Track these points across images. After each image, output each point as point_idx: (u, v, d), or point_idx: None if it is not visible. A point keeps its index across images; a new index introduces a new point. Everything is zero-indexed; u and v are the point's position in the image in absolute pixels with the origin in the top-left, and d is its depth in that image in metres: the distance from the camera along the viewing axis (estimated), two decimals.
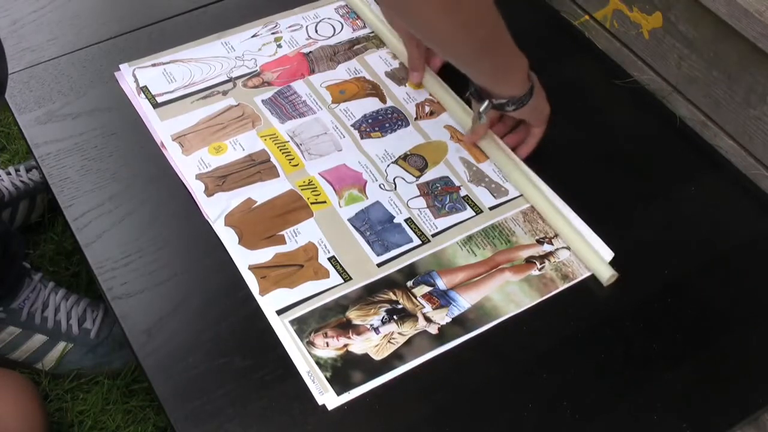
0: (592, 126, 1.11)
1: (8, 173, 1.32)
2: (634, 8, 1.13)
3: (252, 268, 0.92)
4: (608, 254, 0.94)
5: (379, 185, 1.00)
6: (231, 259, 0.93)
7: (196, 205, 0.97)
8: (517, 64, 0.93)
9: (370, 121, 1.07)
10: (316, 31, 1.18)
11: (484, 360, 0.87)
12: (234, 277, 0.91)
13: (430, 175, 1.02)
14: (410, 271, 0.93)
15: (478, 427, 0.83)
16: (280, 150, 1.03)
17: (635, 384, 0.86)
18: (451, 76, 1.07)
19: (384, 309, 0.89)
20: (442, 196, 1.00)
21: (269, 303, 0.89)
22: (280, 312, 0.88)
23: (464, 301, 0.90)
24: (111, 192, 0.98)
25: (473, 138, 1.03)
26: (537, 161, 1.04)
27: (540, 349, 0.88)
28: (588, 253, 0.94)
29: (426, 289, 0.91)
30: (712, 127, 1.09)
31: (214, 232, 0.95)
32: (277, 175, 1.00)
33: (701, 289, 0.94)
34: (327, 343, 0.86)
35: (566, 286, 0.93)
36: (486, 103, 0.97)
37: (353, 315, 0.89)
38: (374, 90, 1.11)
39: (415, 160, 1.03)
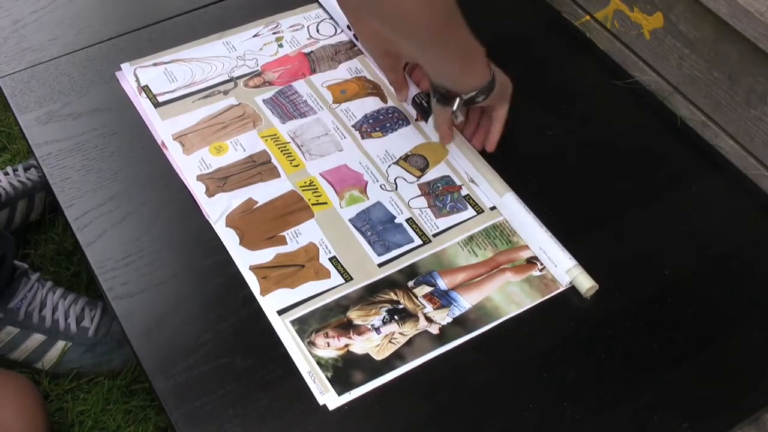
0: (593, 127, 1.11)
1: (6, 173, 1.32)
2: (635, 8, 1.13)
3: (253, 268, 0.92)
4: (567, 267, 0.93)
5: (380, 186, 1.00)
6: (231, 259, 0.93)
7: (197, 205, 0.97)
8: (476, 51, 0.92)
9: (370, 121, 1.07)
10: (318, 31, 1.18)
11: (485, 360, 0.87)
12: (234, 277, 0.91)
13: (431, 175, 1.02)
14: (411, 272, 0.93)
15: (479, 428, 0.83)
16: (281, 151, 1.03)
17: (636, 384, 0.86)
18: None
19: (385, 309, 0.89)
20: (443, 195, 1.00)
21: (270, 303, 0.89)
22: (281, 312, 0.88)
23: (465, 302, 0.90)
24: (112, 192, 0.98)
25: (448, 135, 1.03)
26: (538, 162, 1.05)
27: (541, 350, 0.88)
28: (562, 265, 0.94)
29: (427, 289, 0.91)
30: (712, 128, 1.09)
31: (215, 232, 0.95)
32: (278, 176, 1.00)
33: (701, 290, 0.94)
34: (328, 343, 0.86)
35: (567, 287, 0.93)
36: (457, 101, 0.97)
37: (354, 315, 0.89)
38: (375, 89, 1.11)
39: (416, 160, 1.03)
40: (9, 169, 1.33)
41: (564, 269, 0.92)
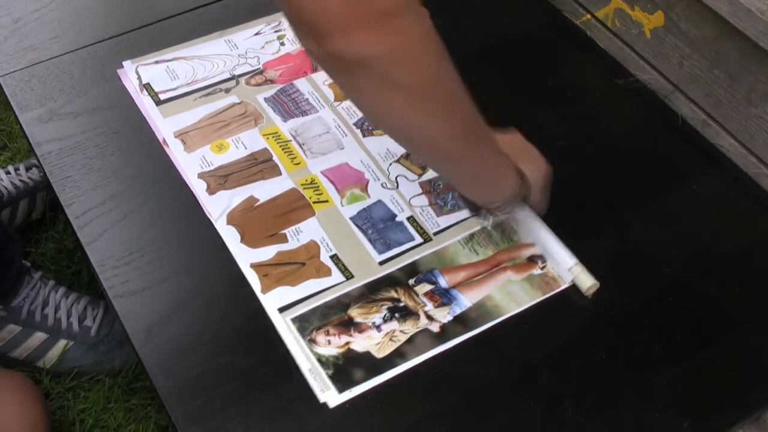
0: (594, 125, 1.11)
1: (7, 172, 1.32)
2: (636, 7, 1.13)
3: (254, 266, 0.92)
4: (569, 265, 0.92)
5: (381, 184, 1.00)
6: (232, 257, 0.93)
7: (198, 203, 0.97)
8: (502, 164, 0.84)
9: None
10: None
11: (485, 358, 0.87)
12: (236, 275, 0.91)
13: (432, 173, 1.02)
14: (412, 270, 0.93)
15: (479, 426, 0.83)
16: (282, 149, 1.03)
17: (636, 383, 0.86)
18: None
19: (386, 307, 0.89)
20: (444, 193, 1.00)
21: (271, 301, 0.89)
22: (282, 310, 0.88)
23: (466, 300, 0.90)
24: (112, 190, 0.98)
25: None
26: None
27: (541, 348, 0.88)
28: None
29: (428, 287, 0.91)
30: (713, 126, 1.09)
31: (216, 231, 0.95)
32: (279, 174, 1.00)
33: (702, 288, 0.94)
34: (329, 341, 0.86)
35: (568, 285, 0.93)
36: (490, 219, 0.93)
37: (355, 313, 0.89)
38: None
39: (416, 158, 1.03)
40: (10, 168, 1.33)
41: (566, 267, 0.92)
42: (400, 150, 1.04)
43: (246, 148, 1.02)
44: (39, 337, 1.17)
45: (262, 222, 0.95)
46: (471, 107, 0.74)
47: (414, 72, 0.67)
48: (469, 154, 0.79)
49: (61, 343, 1.17)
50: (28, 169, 1.33)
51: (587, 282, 0.91)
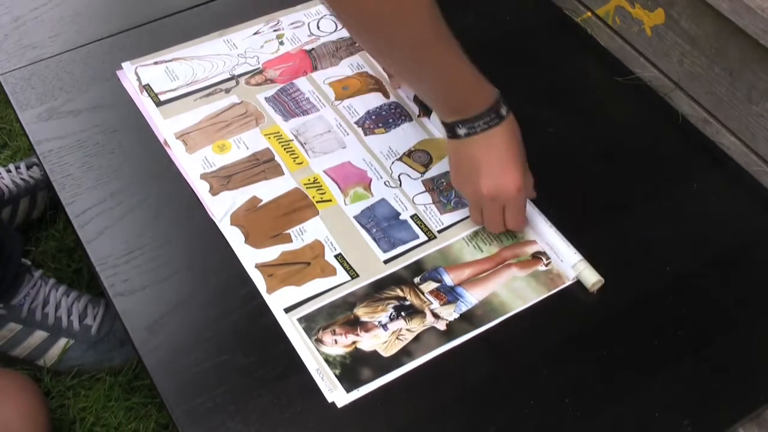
0: (594, 123, 1.11)
1: (8, 170, 1.32)
2: (636, 5, 1.13)
3: (259, 266, 0.91)
4: (573, 262, 0.93)
5: (384, 182, 1.00)
6: (234, 255, 0.92)
7: (199, 201, 0.97)
8: (467, 81, 0.84)
9: (373, 117, 1.07)
10: (318, 28, 1.18)
11: (491, 356, 0.87)
12: (236, 274, 0.91)
13: (434, 171, 1.02)
14: (417, 268, 0.93)
15: (485, 423, 0.83)
16: (284, 148, 1.03)
17: (637, 381, 0.86)
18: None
19: (391, 306, 0.89)
20: (447, 191, 1.00)
21: (277, 301, 0.89)
22: (287, 310, 0.88)
23: (471, 297, 0.91)
24: (113, 189, 0.98)
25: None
26: (539, 159, 1.04)
27: (546, 345, 0.89)
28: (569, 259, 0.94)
29: (433, 285, 0.91)
30: (714, 124, 1.09)
31: (217, 229, 0.95)
32: (282, 174, 1.00)
33: (703, 286, 0.95)
34: (335, 341, 0.86)
35: (572, 281, 0.93)
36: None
37: (361, 312, 0.89)
38: (377, 85, 1.11)
39: (419, 156, 1.03)
40: (11, 166, 1.33)
41: (570, 264, 0.92)
42: (403, 148, 1.04)
43: (248, 148, 1.02)
44: (39, 335, 1.17)
45: (266, 222, 0.95)
46: (435, 15, 0.77)
47: None
48: (430, 56, 0.81)
49: (62, 342, 1.17)
50: (28, 167, 1.33)
51: (592, 278, 0.91)
